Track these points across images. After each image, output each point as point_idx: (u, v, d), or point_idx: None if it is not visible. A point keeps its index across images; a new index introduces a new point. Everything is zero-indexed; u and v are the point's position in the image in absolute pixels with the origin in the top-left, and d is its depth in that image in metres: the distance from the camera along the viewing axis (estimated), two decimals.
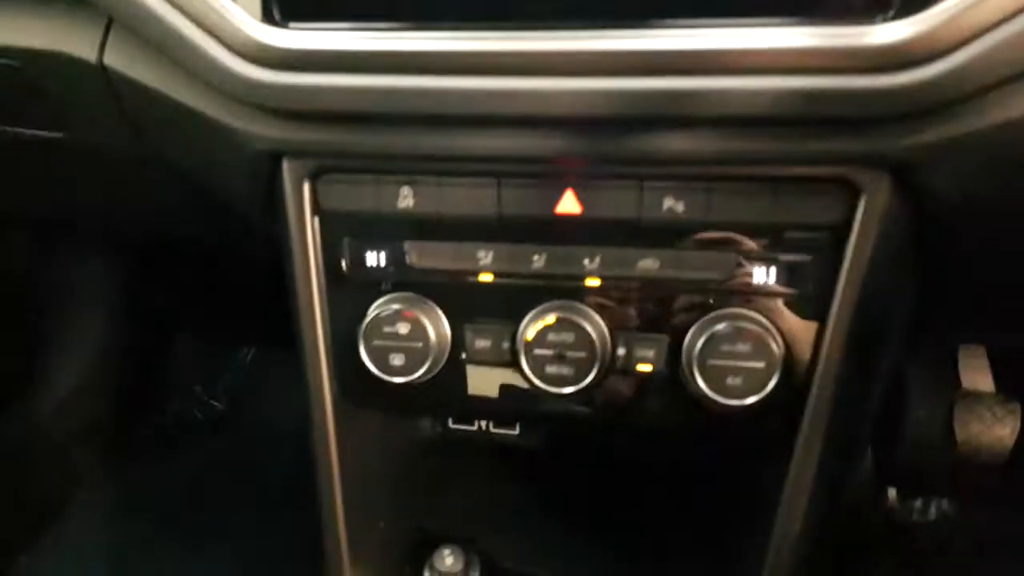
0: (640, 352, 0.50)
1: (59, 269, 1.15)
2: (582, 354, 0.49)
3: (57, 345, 1.17)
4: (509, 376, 0.52)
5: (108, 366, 1.24)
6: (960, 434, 0.91)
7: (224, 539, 1.23)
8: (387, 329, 0.51)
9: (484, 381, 0.53)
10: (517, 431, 0.60)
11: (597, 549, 0.63)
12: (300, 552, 1.15)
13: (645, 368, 0.50)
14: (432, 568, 0.61)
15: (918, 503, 1.08)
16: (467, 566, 0.60)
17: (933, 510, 1.07)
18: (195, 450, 1.34)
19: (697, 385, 0.48)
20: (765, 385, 0.47)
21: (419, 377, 0.52)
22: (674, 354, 0.49)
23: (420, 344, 0.51)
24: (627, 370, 0.50)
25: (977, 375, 0.95)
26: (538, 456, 0.63)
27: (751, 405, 0.47)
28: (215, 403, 1.40)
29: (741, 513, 0.57)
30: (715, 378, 0.47)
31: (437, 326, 0.51)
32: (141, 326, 1.26)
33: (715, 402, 0.48)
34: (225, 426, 1.36)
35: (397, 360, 0.52)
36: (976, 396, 0.93)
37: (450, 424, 0.61)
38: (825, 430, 0.49)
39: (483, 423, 0.60)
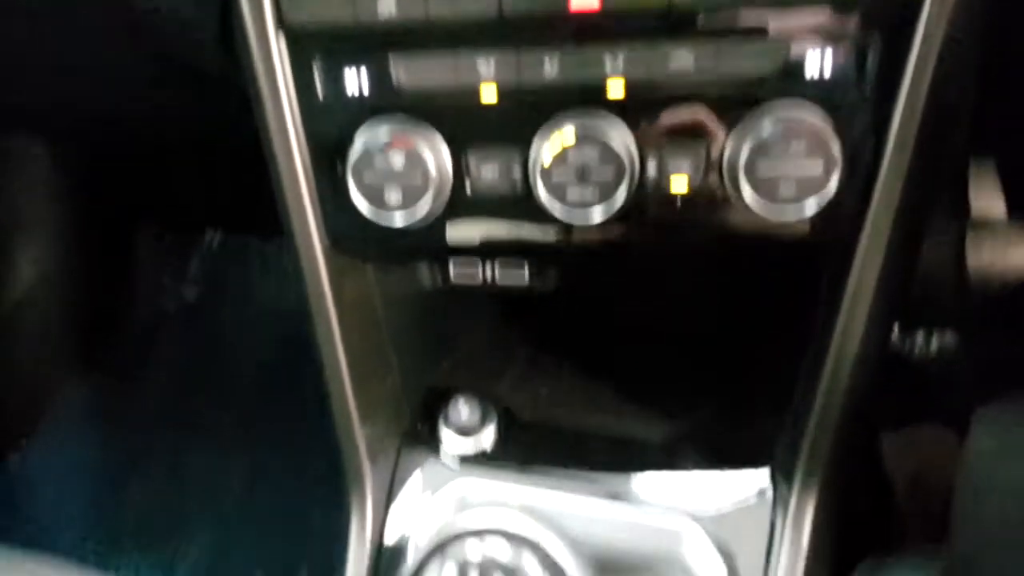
0: (675, 165, 0.43)
1: (8, 164, 1.08)
2: (608, 173, 0.42)
3: (15, 241, 1.10)
4: (523, 208, 0.46)
5: (70, 260, 1.18)
6: (972, 262, 0.88)
7: (215, 429, 1.20)
8: (379, 163, 0.44)
9: (494, 216, 0.47)
10: (526, 278, 0.55)
11: (619, 397, 0.59)
12: (293, 435, 1.15)
13: (681, 183, 0.44)
14: (447, 420, 0.57)
15: (920, 336, 1.07)
16: (483, 417, 0.56)
17: (935, 343, 1.06)
18: (170, 342, 1.30)
19: (743, 199, 0.42)
20: (823, 191, 0.41)
21: (420, 219, 0.46)
22: (715, 165, 0.43)
23: (419, 177, 0.44)
24: (661, 188, 0.44)
25: (989, 200, 0.92)
26: (552, 302, 0.58)
27: (805, 218, 0.42)
28: (185, 293, 1.35)
29: (781, 352, 0.53)
30: (764, 188, 0.41)
31: (437, 155, 0.45)
32: (101, 217, 1.19)
33: (763, 218, 0.42)
34: (197, 314, 1.32)
35: (394, 197, 0.45)
36: (988, 223, 0.89)
37: (452, 277, 0.55)
38: (888, 240, 0.44)
39: (488, 273, 0.55)
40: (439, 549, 0.35)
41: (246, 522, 1.12)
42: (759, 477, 0.54)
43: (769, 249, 0.46)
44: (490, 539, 0.35)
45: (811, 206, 0.42)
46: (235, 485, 1.15)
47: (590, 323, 0.59)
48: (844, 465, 0.52)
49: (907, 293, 0.55)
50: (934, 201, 0.53)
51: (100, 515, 1.16)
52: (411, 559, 0.36)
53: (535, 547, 0.35)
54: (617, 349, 0.59)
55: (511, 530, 0.35)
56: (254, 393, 1.22)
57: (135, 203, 1.25)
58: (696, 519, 0.51)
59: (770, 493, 0.53)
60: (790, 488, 0.51)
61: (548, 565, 0.34)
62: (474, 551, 0.35)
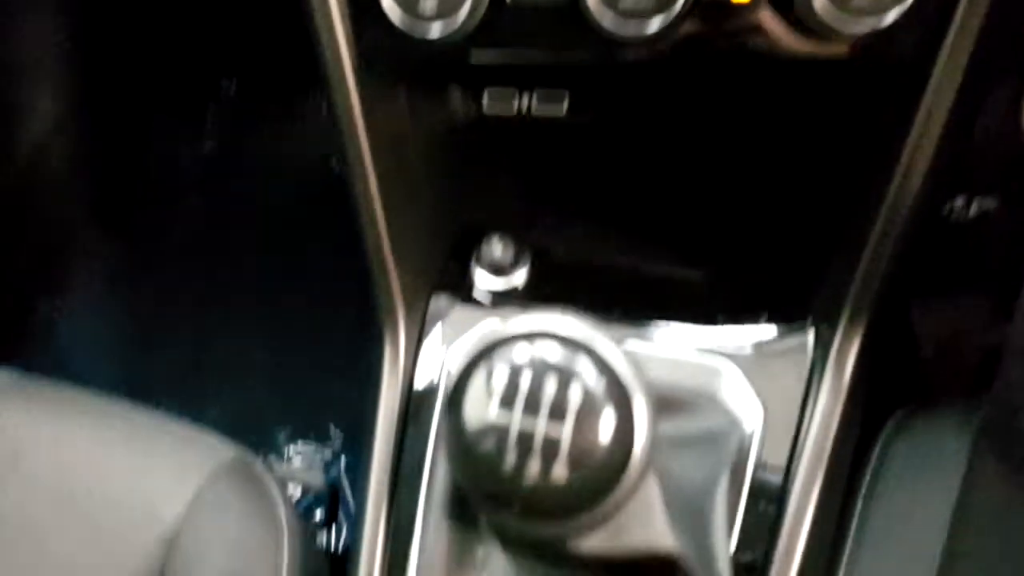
0: None
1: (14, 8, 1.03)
2: None
3: (26, 88, 1.07)
4: (567, 21, 0.42)
5: (84, 108, 1.15)
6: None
7: (242, 272, 1.20)
8: None
9: (535, 31, 0.43)
10: (564, 109, 0.51)
11: (656, 240, 0.57)
12: (317, 293, 1.14)
13: None
14: (480, 259, 0.55)
15: (959, 201, 1.04)
16: (516, 256, 0.55)
17: (975, 208, 1.03)
18: (189, 195, 1.29)
19: (812, 10, 0.38)
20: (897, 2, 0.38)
21: (457, 28, 0.42)
22: None
23: None
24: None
25: None
26: (588, 139, 0.55)
27: (881, 29, 0.38)
28: (203, 142, 1.31)
29: (841, 187, 0.50)
30: None
31: None
32: (113, 64, 1.14)
33: (834, 29, 0.39)
34: (217, 165, 1.29)
35: (429, 5, 0.41)
36: None
37: (485, 107, 0.52)
38: (964, 68, 0.41)
39: (524, 103, 0.51)
40: (486, 352, 0.34)
41: (272, 381, 1.14)
42: (798, 324, 0.53)
43: (832, 74, 0.43)
44: (540, 342, 0.33)
45: (890, 16, 0.38)
46: (259, 342, 1.17)
47: (627, 163, 0.56)
48: (886, 317, 0.51)
49: (969, 141, 0.52)
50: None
51: (130, 359, 1.18)
52: (455, 368, 0.34)
53: (588, 350, 0.33)
54: (655, 190, 0.56)
55: (562, 332, 0.34)
56: (276, 249, 1.22)
57: (147, 50, 1.20)
58: (733, 359, 0.51)
59: (810, 339, 0.52)
60: (833, 335, 0.50)
61: (603, 369, 0.33)
62: (523, 353, 0.33)
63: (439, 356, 0.54)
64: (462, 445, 0.33)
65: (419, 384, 0.54)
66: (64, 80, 1.15)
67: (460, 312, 0.55)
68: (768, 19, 0.40)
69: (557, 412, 0.32)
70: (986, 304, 0.84)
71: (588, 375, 0.32)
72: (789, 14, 0.40)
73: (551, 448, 0.32)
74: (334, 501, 0.92)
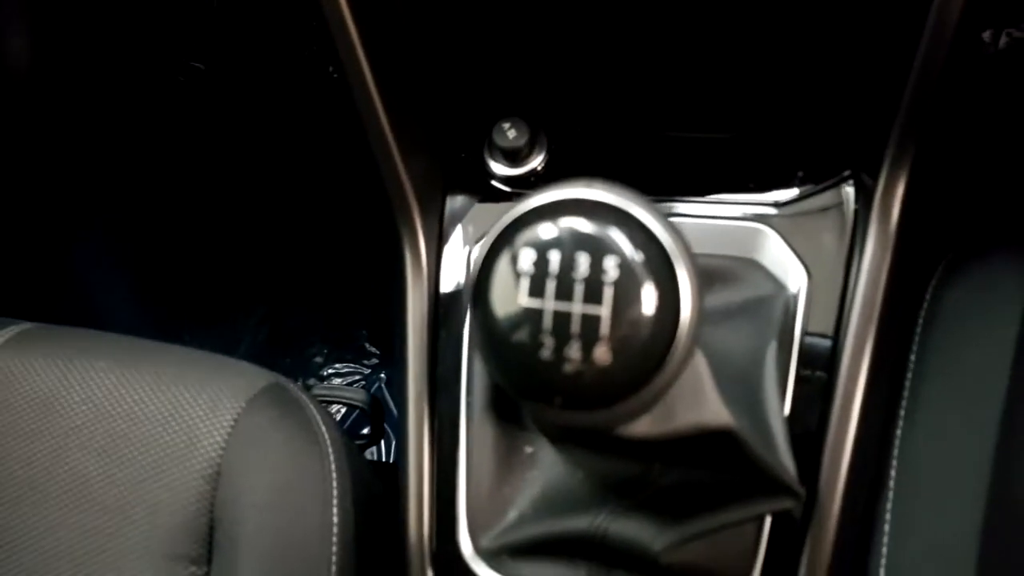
0: None
1: None
2: None
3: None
4: None
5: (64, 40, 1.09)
6: None
7: (256, 195, 1.17)
8: None
9: None
10: None
11: (677, 104, 0.52)
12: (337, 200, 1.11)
13: None
14: (493, 146, 0.51)
15: (987, 34, 0.98)
16: (532, 139, 0.51)
17: (1004, 39, 0.97)
18: (188, 110, 1.24)
19: None
20: None
21: None
22: None
23: None
24: None
25: None
26: (594, 7, 0.50)
27: None
28: (196, 64, 1.26)
29: (875, 16, 0.46)
30: None
31: None
32: None
33: None
34: (213, 85, 1.24)
35: None
36: None
37: None
38: None
39: None
40: (508, 234, 0.30)
41: (303, 305, 1.13)
42: (836, 177, 0.49)
43: None
44: (566, 215, 0.30)
45: None
46: (286, 267, 1.15)
47: (642, 21, 0.51)
48: (930, 159, 0.47)
49: None
50: None
51: (155, 301, 1.17)
52: (475, 258, 0.32)
53: (623, 218, 0.30)
54: (673, 49, 0.52)
55: (590, 200, 0.30)
56: (291, 166, 1.18)
57: None
58: (771, 222, 0.47)
59: (850, 191, 0.48)
60: (876, 183, 0.47)
61: (640, 237, 0.30)
62: (549, 230, 0.30)
63: (463, 254, 0.52)
64: (493, 339, 0.31)
65: (445, 286, 0.52)
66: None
67: (479, 206, 0.53)
68: None
69: (593, 291, 0.29)
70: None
71: (623, 246, 0.29)
72: None
73: (591, 329, 0.29)
74: (378, 415, 0.93)
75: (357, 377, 1.07)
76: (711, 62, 0.50)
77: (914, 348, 0.51)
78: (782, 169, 0.49)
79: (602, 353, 0.29)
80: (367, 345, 1.09)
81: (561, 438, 0.47)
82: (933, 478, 0.47)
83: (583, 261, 0.29)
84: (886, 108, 0.46)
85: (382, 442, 0.96)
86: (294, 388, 0.59)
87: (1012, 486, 0.44)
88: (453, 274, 0.52)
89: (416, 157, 0.51)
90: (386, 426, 0.97)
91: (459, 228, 0.53)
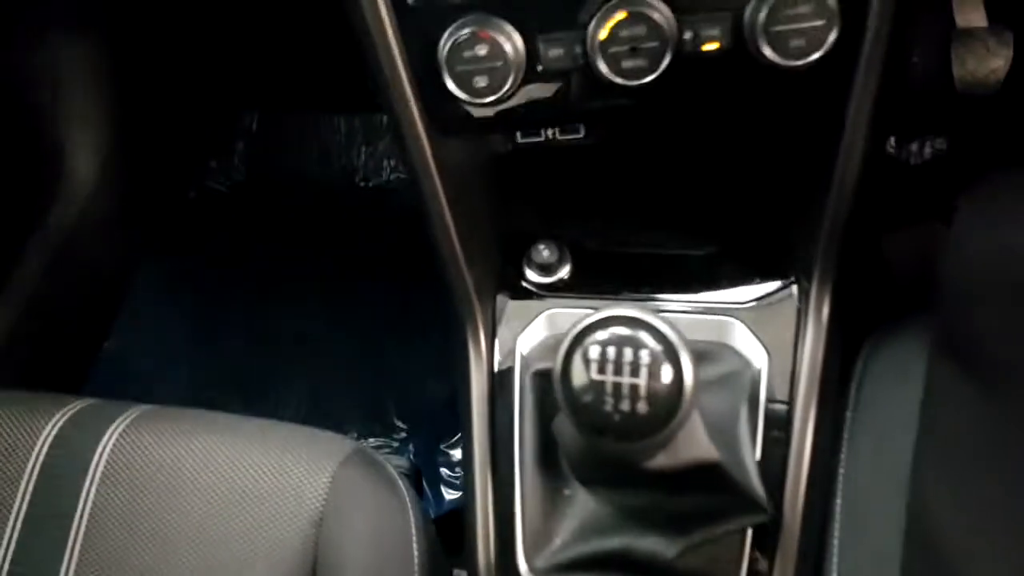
0: (706, 32, 0.54)
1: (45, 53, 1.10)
2: (654, 44, 0.53)
3: (72, 130, 1.15)
4: (582, 79, 0.57)
5: (125, 145, 1.22)
6: (957, 71, 0.97)
7: (288, 290, 1.33)
8: (467, 54, 0.54)
9: (559, 86, 0.58)
10: (582, 134, 0.65)
11: (667, 226, 0.72)
12: (362, 290, 1.27)
13: (712, 47, 0.54)
14: (530, 261, 0.70)
15: (914, 146, 1.18)
16: (560, 255, 0.69)
17: (928, 150, 1.17)
18: (229, 218, 1.40)
19: (763, 53, 0.53)
20: (824, 42, 0.52)
21: (503, 94, 0.56)
22: (738, 28, 0.54)
23: (500, 63, 0.55)
24: (696, 52, 0.55)
25: (970, 11, 0.99)
26: (603, 157, 0.69)
27: (812, 63, 0.53)
28: (233, 173, 1.43)
29: (801, 171, 0.65)
30: (780, 43, 0.52)
31: (512, 42, 0.55)
32: (147, 99, 1.24)
33: (779, 67, 0.53)
34: (251, 194, 1.41)
35: (481, 82, 0.55)
36: (971, 32, 0.97)
37: (518, 139, 0.66)
38: (879, 72, 0.55)
39: (549, 132, 0.65)
40: (578, 340, 0.49)
41: (335, 369, 1.28)
42: (784, 281, 0.67)
43: (783, 92, 0.57)
44: (614, 326, 0.49)
45: (816, 54, 0.52)
46: (319, 337, 1.30)
47: (637, 169, 0.71)
48: (855, 260, 0.65)
49: (898, 106, 0.65)
50: (918, 20, 0.62)
51: (198, 383, 1.30)
52: (560, 353, 0.49)
53: (648, 326, 0.48)
54: (661, 188, 0.72)
55: (625, 314, 0.49)
56: (316, 262, 1.35)
57: (174, 82, 1.28)
58: (739, 315, 0.65)
59: (795, 292, 0.66)
60: (810, 283, 0.64)
61: (659, 337, 0.48)
62: (603, 334, 0.49)
63: (510, 341, 0.69)
64: (574, 400, 0.49)
65: (498, 365, 0.68)
66: (106, 115, 1.20)
67: (521, 305, 0.70)
68: (730, 68, 0.55)
69: (635, 370, 0.47)
70: (946, 234, 0.98)
71: (650, 343, 0.48)
72: (746, 62, 0.54)
73: (635, 392, 0.47)
74: (418, 479, 1.08)
75: (387, 450, 1.22)
76: (688, 198, 0.70)
77: (849, 408, 0.68)
78: (746, 276, 0.67)
79: (641, 406, 0.47)
80: (396, 420, 1.24)
81: (591, 481, 0.63)
82: (867, 502, 0.63)
83: (628, 353, 0.47)
84: (814, 225, 0.63)
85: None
86: (374, 451, 0.74)
87: (923, 504, 0.59)
88: (504, 357, 0.69)
89: (475, 269, 0.68)
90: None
91: (505, 321, 0.70)
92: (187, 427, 0.73)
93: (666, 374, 0.47)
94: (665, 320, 0.49)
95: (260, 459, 0.70)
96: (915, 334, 0.68)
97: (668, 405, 0.48)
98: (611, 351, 0.48)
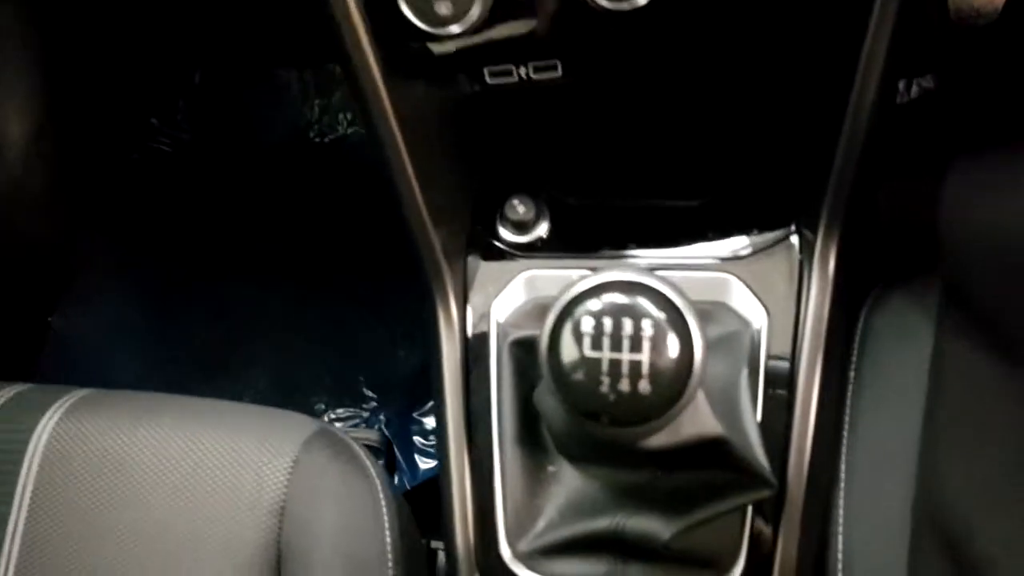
0: None
1: None
2: None
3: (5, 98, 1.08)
4: (563, 5, 0.50)
5: (62, 109, 1.15)
6: (952, 3, 0.91)
7: (247, 263, 1.26)
8: None
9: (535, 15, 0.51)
10: (560, 73, 0.58)
11: (655, 176, 0.65)
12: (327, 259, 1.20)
13: None
14: (504, 218, 0.63)
15: (901, 84, 1.13)
16: (536, 211, 0.62)
17: (915, 89, 1.12)
18: (176, 182, 1.32)
19: None
20: None
21: (470, 25, 0.49)
22: None
23: None
24: None
25: None
26: (586, 97, 0.62)
27: None
28: (180, 133, 1.34)
29: (808, 110, 0.58)
30: None
31: None
32: (82, 60, 1.15)
33: None
34: (198, 154, 1.33)
35: (444, 8, 0.48)
36: None
37: (487, 80, 0.59)
38: None
39: (522, 72, 0.58)
40: (567, 311, 0.42)
41: (300, 340, 1.21)
42: (784, 232, 0.61)
43: (792, 18, 0.51)
44: (607, 292, 0.42)
45: None
46: (281, 306, 1.23)
47: (620, 111, 0.64)
48: (860, 212, 0.60)
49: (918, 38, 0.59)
50: None
51: (156, 359, 1.23)
52: (546, 325, 0.43)
53: (648, 290, 0.42)
54: (648, 133, 0.64)
55: (623, 279, 0.43)
56: (273, 226, 1.27)
57: (108, 37, 1.20)
58: (736, 271, 0.60)
59: (796, 244, 0.61)
60: (816, 233, 0.59)
61: (663, 303, 0.42)
62: (596, 303, 0.42)
63: (484, 307, 0.62)
64: (563, 379, 0.42)
65: (472, 332, 0.62)
66: (36, 87, 1.14)
67: (495, 266, 0.63)
68: None
69: (635, 344, 0.41)
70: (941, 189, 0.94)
71: (653, 312, 0.41)
72: None
73: (635, 370, 0.41)
74: (390, 452, 1.02)
75: (357, 420, 1.16)
76: (680, 144, 0.63)
77: (853, 366, 0.63)
78: (743, 228, 0.61)
79: (643, 386, 0.41)
80: (365, 391, 1.18)
81: (578, 457, 0.58)
82: (874, 469, 0.59)
83: (628, 324, 0.41)
84: (821, 172, 0.58)
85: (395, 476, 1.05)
86: (338, 430, 0.68)
87: (934, 469, 0.56)
88: (478, 323, 0.63)
89: (442, 228, 0.62)
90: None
91: (478, 285, 0.64)
92: (133, 411, 0.68)
93: (672, 347, 0.41)
94: (669, 283, 0.42)
95: (215, 444, 0.65)
96: (919, 290, 0.64)
97: (674, 384, 0.42)
98: (607, 323, 0.41)
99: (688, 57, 0.57)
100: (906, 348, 0.61)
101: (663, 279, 0.43)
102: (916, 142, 1.02)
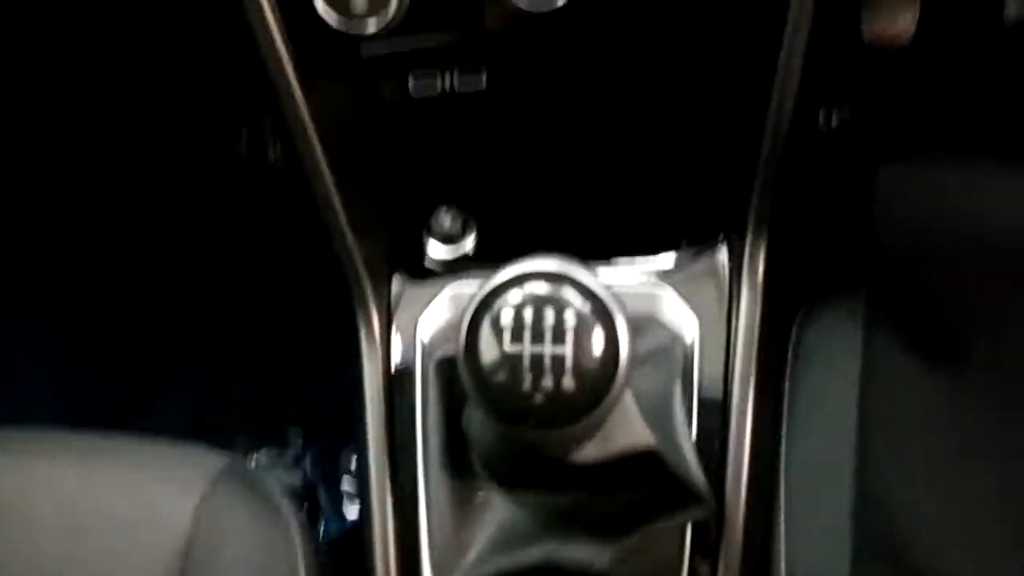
0: None
1: None
2: None
3: None
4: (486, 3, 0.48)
5: None
6: (866, 32, 0.94)
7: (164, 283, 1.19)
8: None
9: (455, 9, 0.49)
10: (484, 85, 0.57)
11: (583, 189, 0.64)
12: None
13: None
14: (431, 231, 0.60)
15: (820, 114, 1.15)
16: (464, 225, 0.60)
17: (835, 118, 1.15)
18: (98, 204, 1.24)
19: None
20: None
21: (388, 19, 0.47)
22: None
23: None
24: None
25: None
26: (512, 107, 0.61)
27: None
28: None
29: (730, 116, 0.58)
30: None
31: None
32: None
33: None
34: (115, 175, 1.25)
35: (359, 4, 0.46)
36: None
37: (411, 90, 0.57)
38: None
39: (447, 82, 0.56)
40: (487, 300, 0.40)
41: (221, 372, 1.14)
42: (713, 243, 0.61)
43: (715, 24, 0.50)
44: (530, 282, 0.40)
45: None
46: (200, 334, 1.16)
47: (547, 123, 0.62)
48: (786, 223, 0.59)
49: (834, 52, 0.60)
50: None
51: (65, 396, 1.15)
52: (464, 320, 0.40)
53: (572, 281, 0.40)
54: (575, 145, 0.63)
55: (543, 269, 0.40)
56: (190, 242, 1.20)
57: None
58: (667, 282, 0.58)
59: (725, 254, 0.60)
60: (743, 246, 0.58)
61: (587, 295, 0.40)
62: (517, 294, 0.40)
63: (410, 327, 0.59)
64: (482, 381, 0.39)
65: (397, 358, 0.59)
66: None
67: (420, 283, 0.61)
68: None
69: (558, 335, 0.38)
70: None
71: (577, 302, 0.39)
72: None
73: (559, 365, 0.39)
74: (312, 496, 0.96)
75: (282, 461, 1.10)
76: (608, 157, 0.62)
77: (787, 381, 0.62)
78: (673, 240, 0.60)
79: (568, 382, 0.38)
80: (291, 427, 1.13)
81: (508, 482, 0.55)
82: (812, 482, 0.58)
83: (549, 314, 0.39)
84: (746, 183, 0.58)
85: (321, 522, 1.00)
86: (251, 468, 0.63)
87: (871, 480, 0.55)
88: (404, 346, 0.59)
89: (365, 244, 0.59)
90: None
91: (404, 304, 0.61)
92: (30, 451, 0.63)
93: (597, 339, 0.39)
94: (592, 273, 0.40)
95: (114, 482, 0.60)
96: (849, 300, 0.64)
97: (600, 379, 0.39)
98: (528, 314, 0.39)
99: (609, 62, 0.56)
100: (837, 359, 0.61)
101: (586, 270, 0.40)
102: (840, 161, 1.04)
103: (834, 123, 1.15)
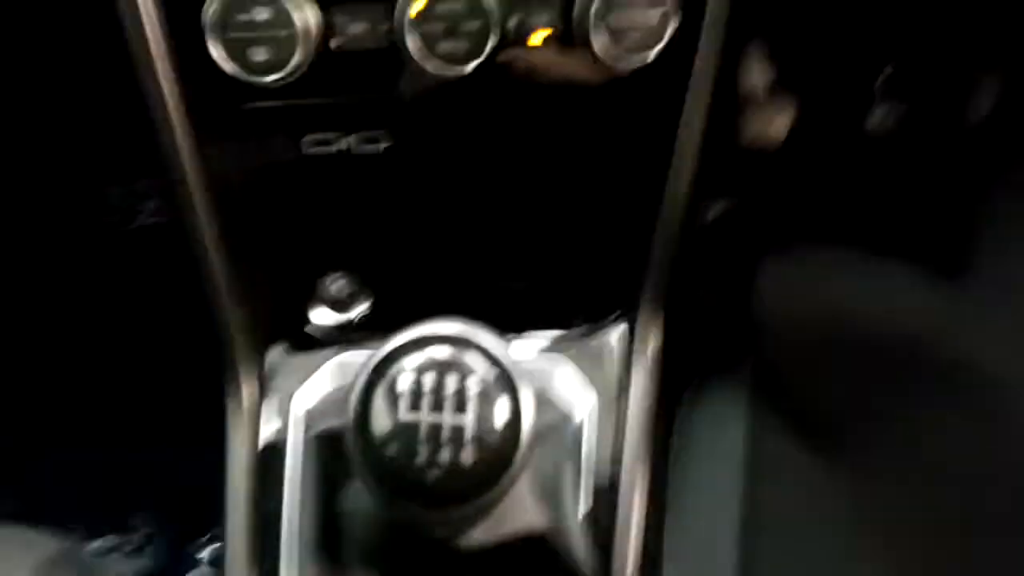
0: (535, 17, 0.46)
1: None
2: (476, 24, 0.44)
3: None
4: (388, 61, 0.47)
5: None
6: (744, 130, 1.00)
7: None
8: (242, 17, 0.43)
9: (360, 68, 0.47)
10: (383, 147, 0.55)
11: (480, 258, 0.62)
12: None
13: (541, 34, 0.47)
14: (318, 298, 0.56)
15: (704, 205, 1.20)
16: (355, 291, 0.57)
17: (717, 209, 1.19)
18: None
19: (594, 45, 0.46)
20: (662, 36, 0.46)
21: (288, 73, 0.44)
22: (569, 15, 0.46)
23: (285, 32, 0.44)
24: (522, 40, 0.47)
25: (756, 76, 1.03)
26: (410, 171, 0.59)
27: (646, 62, 0.47)
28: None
29: (629, 194, 0.59)
30: (614, 35, 0.46)
31: (302, 9, 0.44)
32: None
33: (612, 61, 0.47)
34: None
35: (260, 54, 0.44)
36: (753, 98, 1.01)
37: (305, 148, 0.54)
38: (715, 70, 0.50)
39: (345, 143, 0.54)
40: (382, 366, 0.37)
41: (57, 458, 1.03)
42: (611, 320, 0.60)
43: (610, 98, 0.51)
44: (430, 346, 0.37)
45: (653, 51, 0.47)
46: (39, 409, 1.05)
47: (445, 190, 0.60)
48: (680, 303, 0.60)
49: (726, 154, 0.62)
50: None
51: None
52: (357, 385, 0.37)
53: (475, 345, 0.37)
54: (474, 215, 0.61)
55: (447, 333, 0.38)
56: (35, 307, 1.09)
57: None
58: (561, 356, 0.57)
59: (621, 332, 0.59)
60: (636, 324, 0.58)
61: (491, 360, 0.38)
62: (417, 358, 0.37)
63: (284, 401, 0.55)
64: (374, 453, 0.36)
65: (267, 433, 0.54)
66: None
67: (301, 354, 0.56)
68: (561, 58, 0.48)
69: (460, 404, 0.36)
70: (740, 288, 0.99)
71: (481, 369, 0.36)
72: (578, 53, 0.47)
73: (458, 436, 0.36)
74: None
75: (129, 548, 0.99)
76: (508, 232, 0.61)
77: (671, 462, 0.62)
78: (570, 312, 0.59)
79: (466, 455, 0.35)
80: (136, 513, 1.02)
81: (387, 571, 0.50)
82: (696, 557, 0.57)
83: (451, 381, 0.36)
84: (640, 263, 0.58)
85: None
86: (84, 554, 0.56)
87: (755, 554, 0.55)
88: (274, 420, 0.54)
89: (242, 309, 0.54)
90: None
91: (280, 376, 0.56)
92: None
93: (501, 409, 0.36)
94: (498, 340, 0.38)
95: None
96: (733, 384, 0.65)
97: (502, 453, 0.36)
98: (428, 379, 0.36)
99: (511, 133, 0.55)
100: (721, 435, 0.61)
101: (491, 335, 0.38)
102: (727, 250, 1.08)
103: (717, 214, 1.21)
